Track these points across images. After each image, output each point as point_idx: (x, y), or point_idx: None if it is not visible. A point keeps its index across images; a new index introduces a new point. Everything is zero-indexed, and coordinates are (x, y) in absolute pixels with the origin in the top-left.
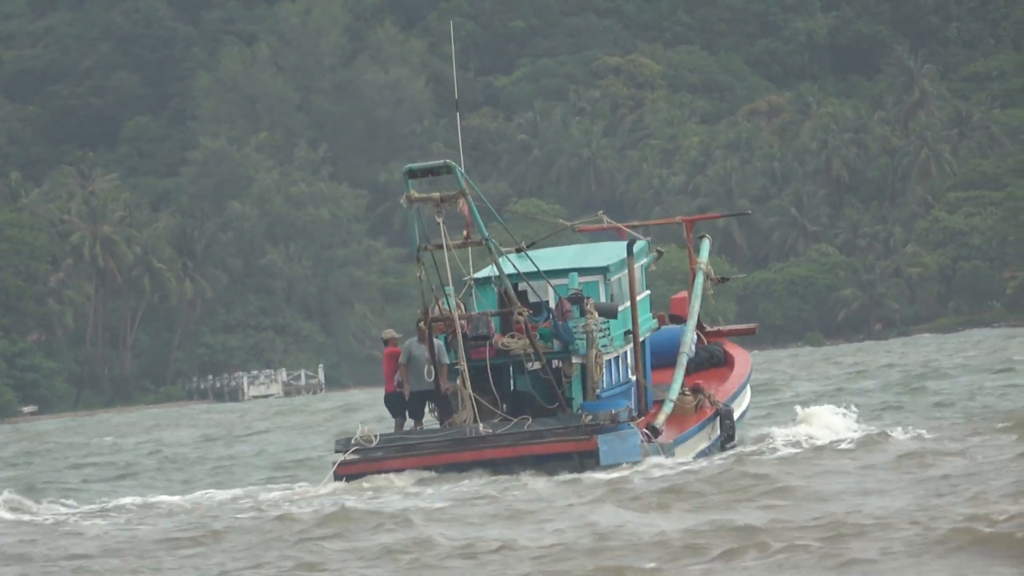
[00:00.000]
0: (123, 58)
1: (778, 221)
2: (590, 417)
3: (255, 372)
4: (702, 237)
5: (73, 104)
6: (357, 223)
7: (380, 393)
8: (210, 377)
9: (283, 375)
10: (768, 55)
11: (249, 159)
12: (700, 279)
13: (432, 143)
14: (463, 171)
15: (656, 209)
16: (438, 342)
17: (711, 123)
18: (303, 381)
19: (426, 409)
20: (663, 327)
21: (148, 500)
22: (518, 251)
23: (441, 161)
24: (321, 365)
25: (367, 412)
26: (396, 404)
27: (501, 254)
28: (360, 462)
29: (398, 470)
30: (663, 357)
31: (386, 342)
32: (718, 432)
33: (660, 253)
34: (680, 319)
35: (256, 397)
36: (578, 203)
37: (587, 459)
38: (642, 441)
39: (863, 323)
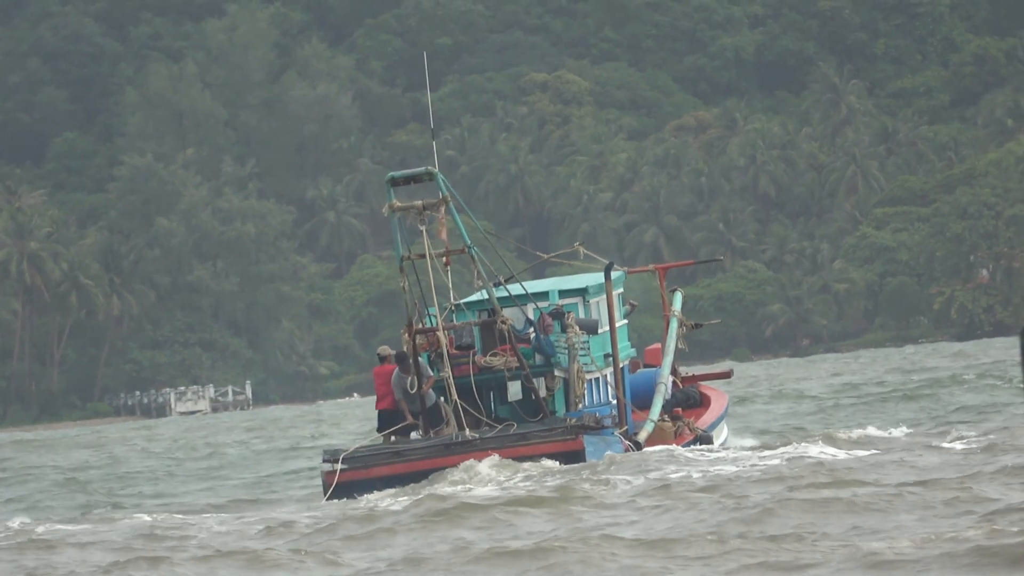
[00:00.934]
0: (51, 74)
1: (705, 237)
2: (574, 420)
3: (182, 388)
4: (675, 291)
5: (0, 120)
6: (284, 239)
7: (306, 408)
8: (137, 393)
9: (210, 391)
10: (695, 72)
11: (177, 175)
12: (674, 324)
13: (359, 159)
14: (443, 178)
15: (583, 225)
16: (422, 361)
17: (638, 139)
18: (230, 397)
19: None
20: (639, 371)
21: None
22: (496, 285)
23: (423, 168)
24: (248, 381)
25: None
26: (389, 420)
27: (486, 266)
28: (348, 471)
29: (386, 477)
30: (640, 398)
31: (382, 359)
32: None
33: (633, 306)
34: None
35: (183, 413)
36: (505, 219)
37: (572, 460)
38: (626, 447)
39: (790, 339)
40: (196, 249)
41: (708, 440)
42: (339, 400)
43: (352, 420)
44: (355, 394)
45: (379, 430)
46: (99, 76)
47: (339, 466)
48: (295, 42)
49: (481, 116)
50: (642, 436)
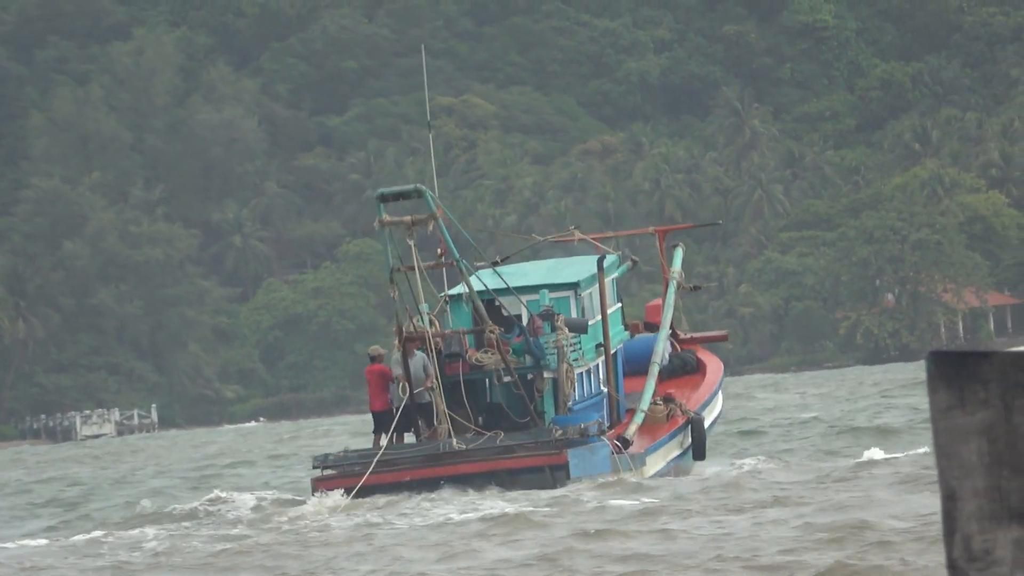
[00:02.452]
0: None
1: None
2: (560, 431)
3: (88, 412)
4: (675, 246)
5: None
6: (190, 263)
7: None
8: (43, 416)
9: (116, 415)
10: (601, 96)
11: (83, 198)
12: (673, 288)
13: (265, 182)
14: (434, 194)
15: (490, 249)
16: (421, 354)
17: (544, 163)
18: (136, 421)
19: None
20: (637, 336)
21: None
22: (493, 265)
23: (411, 186)
24: (154, 405)
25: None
26: (384, 421)
27: (472, 272)
28: (337, 477)
29: (371, 485)
30: (637, 364)
31: (373, 359)
32: (689, 441)
33: (635, 262)
34: (655, 326)
35: (89, 437)
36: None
37: (557, 473)
38: (612, 454)
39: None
40: (101, 272)
41: (699, 423)
42: (243, 425)
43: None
44: (261, 418)
45: (375, 431)
46: (4, 99)
47: (325, 472)
48: (201, 66)
49: (387, 140)
50: (631, 431)
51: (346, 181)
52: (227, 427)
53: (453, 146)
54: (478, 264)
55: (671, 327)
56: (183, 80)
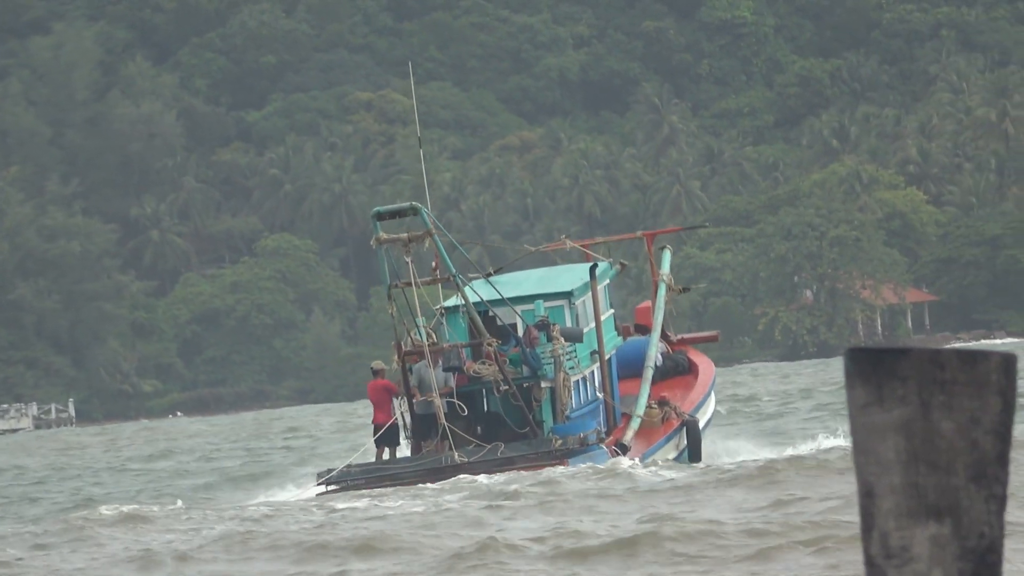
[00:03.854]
0: None
1: (530, 258)
2: (560, 441)
3: (5, 406)
4: (663, 248)
5: None
6: (108, 257)
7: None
8: None
9: (33, 409)
10: (520, 92)
11: (1, 193)
12: (663, 290)
13: (183, 177)
14: (428, 211)
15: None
16: (439, 371)
17: (463, 159)
18: (53, 415)
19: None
20: (629, 339)
21: None
22: (487, 276)
23: (407, 204)
24: (72, 399)
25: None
26: (386, 434)
27: (467, 284)
28: (340, 492)
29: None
30: (630, 368)
31: (376, 373)
32: (685, 443)
33: (624, 265)
34: (645, 328)
35: (6, 431)
36: (329, 238)
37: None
38: (612, 456)
39: None
40: (19, 267)
41: (694, 425)
42: (161, 420)
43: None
44: (178, 412)
45: (377, 445)
46: None
47: (328, 487)
48: (119, 60)
49: (305, 135)
50: (628, 436)
51: (265, 176)
52: (144, 421)
53: (371, 141)
54: (472, 276)
55: (662, 329)
56: (102, 74)
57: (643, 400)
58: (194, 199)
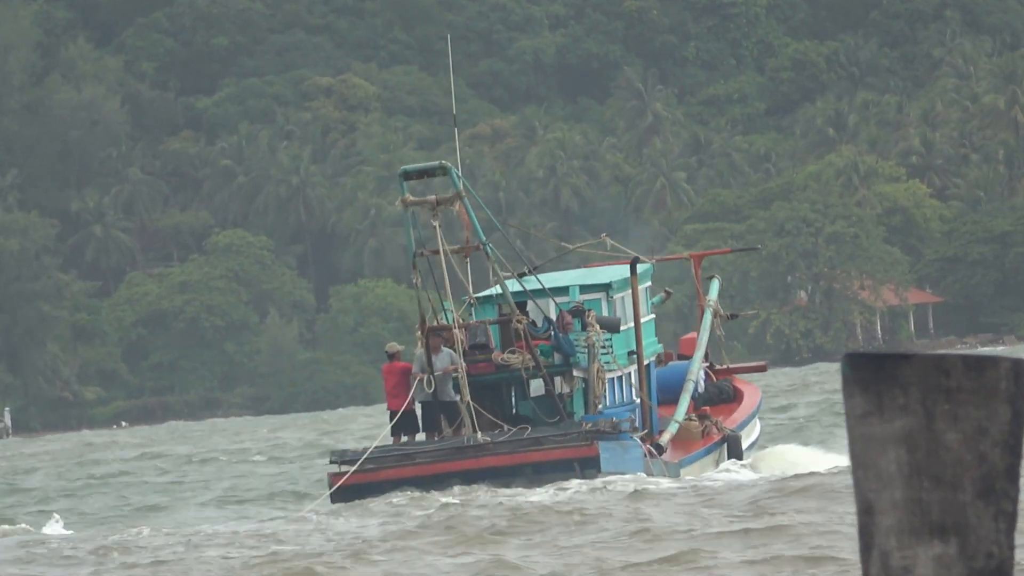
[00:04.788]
0: None
1: (502, 254)
2: (590, 424)
3: None
4: (711, 278)
5: None
6: (47, 255)
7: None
8: None
9: None
10: (491, 76)
11: None
12: (708, 316)
13: (128, 168)
14: (457, 172)
15: (371, 241)
16: (448, 351)
17: (430, 149)
18: None
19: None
20: (670, 363)
21: None
22: (520, 276)
23: (436, 162)
24: (7, 408)
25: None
26: (403, 421)
27: (501, 263)
28: (356, 473)
29: (393, 480)
30: (670, 393)
31: (391, 356)
32: (726, 458)
33: (669, 294)
34: (689, 359)
35: None
36: (286, 234)
37: (587, 467)
38: (646, 456)
39: None
40: None
41: (736, 440)
42: (101, 431)
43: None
44: (123, 423)
45: (393, 431)
46: None
47: (344, 468)
48: (59, 42)
49: (260, 123)
50: (665, 439)
51: (216, 167)
52: (86, 432)
53: (331, 129)
54: (505, 274)
55: (707, 359)
56: (40, 57)
57: (682, 409)
58: (140, 192)
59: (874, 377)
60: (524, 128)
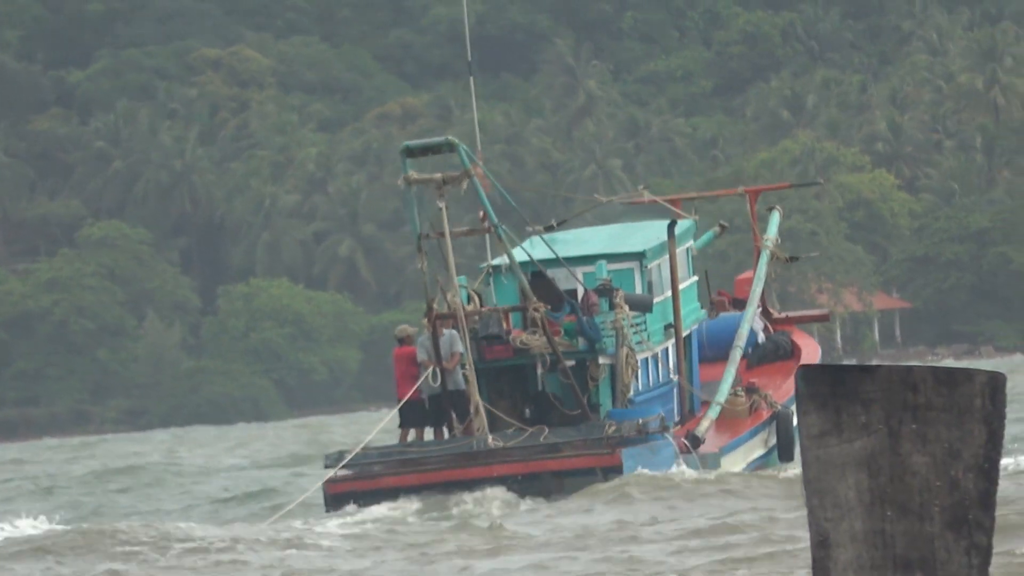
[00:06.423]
0: None
1: (413, 251)
2: (614, 427)
3: None
4: (771, 209)
5: None
6: None
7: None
8: None
9: None
10: (401, 49)
11: None
12: (765, 258)
13: None
14: (466, 148)
15: (264, 234)
16: (451, 332)
17: (332, 131)
18: None
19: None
20: (722, 314)
21: None
22: (547, 230)
23: (443, 138)
24: None
25: None
26: (413, 412)
27: (514, 244)
28: (353, 479)
29: (394, 488)
30: (720, 349)
31: (400, 340)
32: (775, 440)
33: (724, 227)
34: (743, 303)
35: None
36: (168, 226)
37: (611, 475)
38: (678, 454)
39: None
40: None
41: (786, 419)
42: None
43: None
44: None
45: (401, 425)
46: None
47: (340, 474)
48: None
49: (139, 100)
50: (703, 427)
51: (90, 150)
52: None
53: (220, 108)
54: (528, 229)
55: (763, 305)
56: None
57: (726, 386)
58: (2, 177)
59: (832, 392)
60: (438, 107)
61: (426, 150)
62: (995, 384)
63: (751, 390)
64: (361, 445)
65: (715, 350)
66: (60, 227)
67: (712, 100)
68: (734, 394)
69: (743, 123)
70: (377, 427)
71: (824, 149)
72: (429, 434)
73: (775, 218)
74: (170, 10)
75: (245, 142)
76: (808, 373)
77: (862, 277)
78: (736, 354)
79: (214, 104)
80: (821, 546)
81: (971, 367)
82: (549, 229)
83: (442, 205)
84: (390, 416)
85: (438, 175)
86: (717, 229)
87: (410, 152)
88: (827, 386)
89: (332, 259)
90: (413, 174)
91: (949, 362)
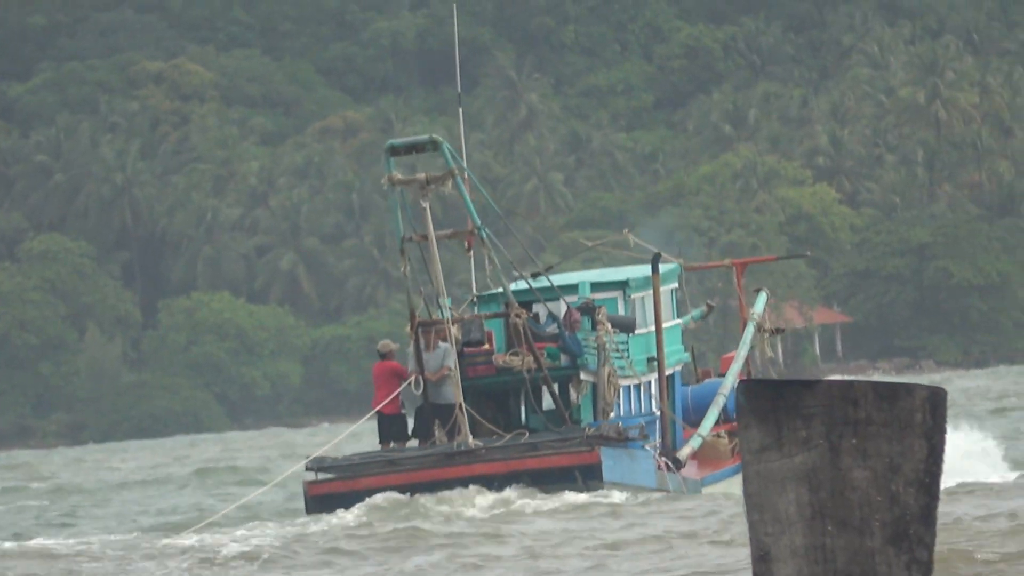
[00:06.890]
0: None
1: (355, 265)
2: (594, 429)
3: None
4: (758, 291)
5: None
6: None
7: None
8: None
9: None
10: (343, 62)
11: None
12: (751, 329)
13: None
14: (450, 147)
15: (205, 248)
16: (445, 345)
17: (273, 144)
18: None
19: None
20: (707, 380)
21: None
22: (534, 276)
23: (427, 136)
24: None
25: None
26: (394, 427)
27: (499, 251)
28: (334, 481)
29: (375, 489)
30: (704, 413)
31: (383, 355)
32: None
33: (711, 307)
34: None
35: None
36: (109, 239)
37: (588, 475)
38: (659, 469)
39: None
40: None
41: None
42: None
43: None
44: None
45: (380, 438)
46: None
47: (320, 476)
48: None
49: (81, 113)
50: (684, 453)
51: (30, 163)
52: None
53: (162, 121)
54: (514, 274)
55: (748, 368)
56: None
57: (709, 423)
58: None
59: (772, 407)
60: (380, 121)
61: (410, 148)
62: (936, 399)
63: (733, 433)
64: (332, 443)
65: (699, 414)
66: (1, 241)
67: (654, 114)
68: (717, 435)
69: (684, 137)
70: (347, 431)
71: (765, 163)
72: (413, 445)
73: (762, 298)
74: (112, 23)
75: (186, 155)
76: (749, 387)
77: (803, 291)
78: (720, 400)
79: (155, 117)
80: (762, 560)
81: (912, 382)
82: (535, 276)
83: (426, 205)
84: (359, 424)
85: (422, 175)
86: (704, 308)
87: (394, 150)
88: (768, 400)
89: (274, 273)
90: (396, 174)
91: (890, 377)
